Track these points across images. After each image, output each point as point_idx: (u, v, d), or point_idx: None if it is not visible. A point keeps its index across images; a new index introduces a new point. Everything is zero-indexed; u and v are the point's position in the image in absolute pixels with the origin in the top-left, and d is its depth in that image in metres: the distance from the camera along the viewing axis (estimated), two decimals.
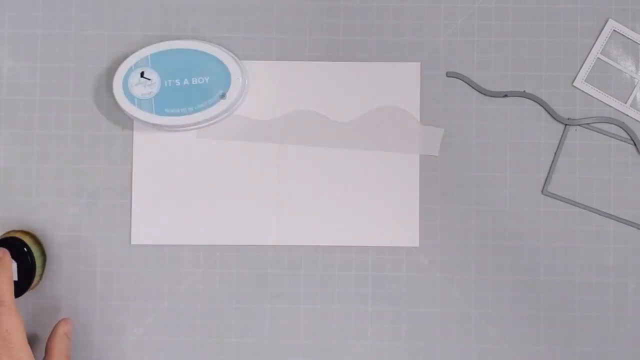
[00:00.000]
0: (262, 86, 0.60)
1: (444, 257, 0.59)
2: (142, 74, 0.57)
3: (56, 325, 0.55)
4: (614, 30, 0.60)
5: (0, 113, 0.60)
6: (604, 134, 0.59)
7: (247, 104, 0.59)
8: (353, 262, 0.59)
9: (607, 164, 0.59)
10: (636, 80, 0.60)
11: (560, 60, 0.60)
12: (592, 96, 0.59)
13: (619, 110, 0.59)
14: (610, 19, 0.60)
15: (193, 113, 0.57)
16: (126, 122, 0.60)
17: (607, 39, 0.60)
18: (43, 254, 0.58)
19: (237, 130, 0.59)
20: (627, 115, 0.59)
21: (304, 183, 0.59)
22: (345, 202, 0.59)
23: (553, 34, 0.60)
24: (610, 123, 0.59)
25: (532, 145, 0.59)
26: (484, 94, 0.59)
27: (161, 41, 0.58)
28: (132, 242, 0.59)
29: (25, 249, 0.56)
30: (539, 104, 0.59)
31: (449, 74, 0.60)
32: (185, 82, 0.57)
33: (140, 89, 0.57)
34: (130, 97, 0.57)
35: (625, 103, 0.59)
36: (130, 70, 0.57)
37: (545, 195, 0.59)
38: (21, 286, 0.56)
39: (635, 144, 0.59)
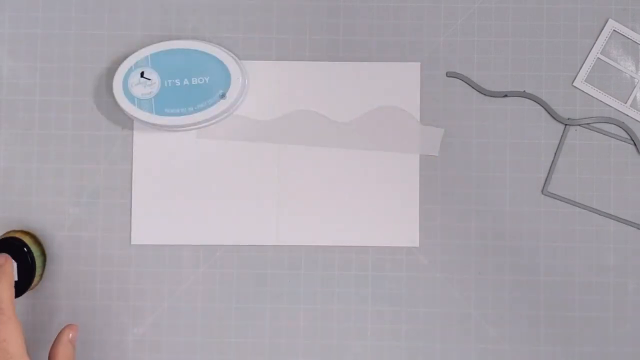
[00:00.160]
0: (262, 86, 0.60)
1: (444, 257, 0.59)
2: (142, 74, 0.57)
3: (61, 332, 0.53)
4: (614, 30, 0.60)
5: (0, 113, 0.60)
6: (604, 134, 0.59)
7: (247, 104, 0.59)
8: (353, 262, 0.59)
9: (607, 164, 0.59)
10: (636, 80, 0.60)
11: (560, 60, 0.60)
12: (592, 96, 0.59)
13: (619, 110, 0.59)
14: (610, 19, 0.60)
15: (193, 113, 0.57)
16: (126, 122, 0.60)
17: (607, 39, 0.60)
18: (43, 254, 0.58)
19: (237, 130, 0.60)
20: (627, 115, 0.59)
21: (304, 183, 0.59)
22: (345, 202, 0.59)
23: (553, 34, 0.60)
24: (610, 123, 0.59)
25: (532, 145, 0.59)
26: (484, 94, 0.59)
27: (161, 41, 0.58)
28: (132, 242, 0.59)
29: (25, 249, 0.56)
30: (539, 104, 0.59)
31: (449, 74, 0.60)
32: (185, 82, 0.57)
33: (140, 89, 0.57)
34: (130, 97, 0.57)
35: (625, 103, 0.59)
36: (130, 70, 0.57)
37: (545, 195, 0.59)
38: (21, 286, 0.56)
39: (635, 144, 0.59)
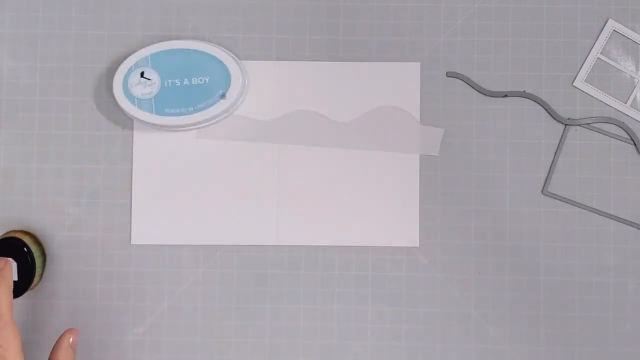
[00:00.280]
0: (262, 86, 0.60)
1: (444, 257, 0.59)
2: (142, 74, 0.57)
3: (61, 337, 0.53)
4: (614, 30, 0.60)
5: (0, 113, 0.60)
6: (604, 134, 0.59)
7: (247, 104, 0.59)
8: (353, 262, 0.59)
9: (607, 164, 0.59)
10: (636, 80, 0.60)
11: (560, 60, 0.60)
12: (592, 96, 0.59)
13: (619, 110, 0.59)
14: (610, 19, 0.60)
15: (193, 113, 0.57)
16: (126, 122, 0.60)
17: (607, 39, 0.60)
18: (43, 254, 0.58)
19: (237, 130, 0.60)
20: (627, 115, 0.59)
21: (304, 183, 0.59)
22: (345, 202, 0.59)
23: (553, 34, 0.60)
24: (610, 123, 0.59)
25: (532, 145, 0.59)
26: (484, 94, 0.59)
27: (161, 41, 0.58)
28: (132, 242, 0.59)
29: (25, 249, 0.56)
30: (539, 104, 0.59)
31: (449, 74, 0.60)
32: (185, 82, 0.57)
33: (140, 89, 0.57)
34: (130, 97, 0.57)
35: (625, 103, 0.59)
36: (130, 70, 0.57)
37: (545, 195, 0.59)
38: (21, 286, 0.56)
39: (635, 144, 0.59)
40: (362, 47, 0.60)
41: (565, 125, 0.59)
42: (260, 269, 0.59)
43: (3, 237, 0.57)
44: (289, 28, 0.60)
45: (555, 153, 0.59)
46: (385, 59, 0.60)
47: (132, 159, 0.60)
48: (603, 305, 0.59)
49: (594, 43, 0.60)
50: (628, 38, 0.60)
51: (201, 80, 0.57)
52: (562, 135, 0.59)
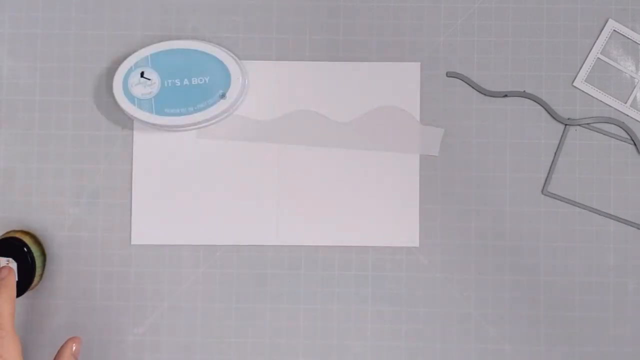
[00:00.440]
0: (262, 86, 0.60)
1: (444, 257, 0.59)
2: (142, 74, 0.57)
3: (64, 346, 0.53)
4: (614, 30, 0.60)
5: (0, 113, 0.60)
6: (604, 134, 0.59)
7: (247, 104, 0.59)
8: (353, 262, 0.59)
9: (607, 164, 0.59)
10: (636, 80, 0.60)
11: (560, 60, 0.60)
12: (592, 96, 0.59)
13: (619, 110, 0.59)
14: (610, 19, 0.60)
15: (193, 113, 0.57)
16: (126, 122, 0.60)
17: (607, 39, 0.60)
18: (43, 254, 0.58)
19: (237, 130, 0.60)
20: (627, 115, 0.59)
21: (304, 183, 0.59)
22: (345, 202, 0.59)
23: (553, 34, 0.60)
24: (610, 123, 0.59)
25: (532, 145, 0.59)
26: (484, 94, 0.59)
27: (161, 41, 0.58)
28: (132, 242, 0.59)
29: (25, 249, 0.56)
30: (539, 104, 0.59)
31: (449, 74, 0.60)
32: (185, 82, 0.57)
33: (140, 89, 0.57)
34: (130, 97, 0.57)
35: (625, 103, 0.59)
36: (130, 70, 0.57)
37: (545, 195, 0.59)
38: (21, 286, 0.56)
39: (635, 144, 0.59)
40: (362, 47, 0.60)
41: (565, 125, 0.59)
42: (260, 269, 0.59)
43: (3, 237, 0.57)
44: (289, 28, 0.60)
45: (555, 153, 0.59)
46: (385, 59, 0.60)
47: (132, 159, 0.60)
48: (603, 305, 0.59)
49: (594, 43, 0.60)
50: (628, 38, 0.60)
51: (201, 80, 0.57)
52: (562, 135, 0.59)
